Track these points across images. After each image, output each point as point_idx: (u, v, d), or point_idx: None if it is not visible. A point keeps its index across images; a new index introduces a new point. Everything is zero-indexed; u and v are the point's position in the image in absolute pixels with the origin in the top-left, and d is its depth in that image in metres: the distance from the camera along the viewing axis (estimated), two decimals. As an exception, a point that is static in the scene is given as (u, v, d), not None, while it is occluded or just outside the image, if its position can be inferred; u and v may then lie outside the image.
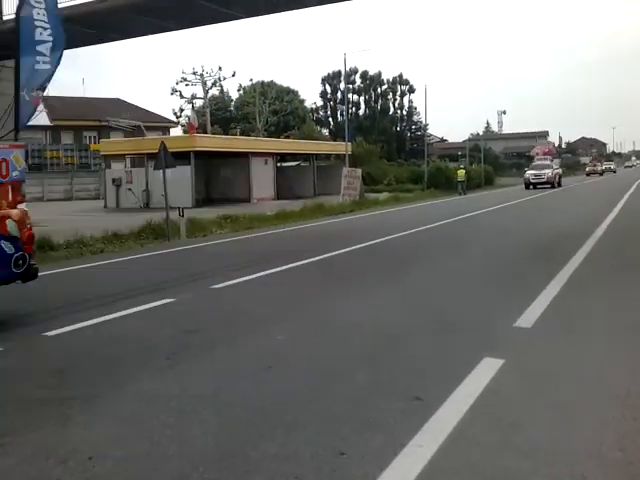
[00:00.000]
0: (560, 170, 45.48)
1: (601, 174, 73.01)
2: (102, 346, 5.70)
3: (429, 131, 69.60)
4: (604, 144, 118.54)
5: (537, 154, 52.90)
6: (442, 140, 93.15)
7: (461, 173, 38.17)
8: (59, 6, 17.85)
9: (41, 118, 37.46)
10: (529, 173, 41.73)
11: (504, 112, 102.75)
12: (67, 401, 4.23)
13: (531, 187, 39.83)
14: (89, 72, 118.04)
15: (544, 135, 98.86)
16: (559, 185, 41.77)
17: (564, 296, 7.18)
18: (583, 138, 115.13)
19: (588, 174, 70.77)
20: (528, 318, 6.11)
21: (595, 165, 78.58)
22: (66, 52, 23.03)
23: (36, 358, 5.41)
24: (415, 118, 79.59)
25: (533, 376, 4.55)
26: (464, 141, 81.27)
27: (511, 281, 8.60)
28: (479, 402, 3.99)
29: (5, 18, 19.19)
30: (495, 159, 70.78)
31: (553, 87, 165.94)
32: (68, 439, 3.62)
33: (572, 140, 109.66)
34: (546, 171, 41.08)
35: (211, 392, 4.33)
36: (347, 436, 3.54)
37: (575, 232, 13.69)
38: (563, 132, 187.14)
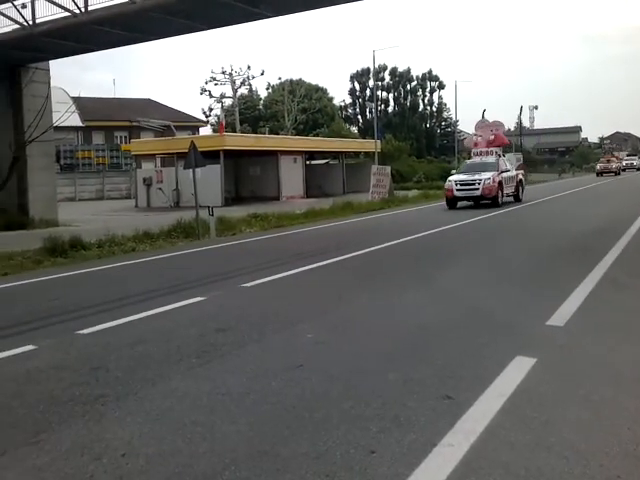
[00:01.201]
0: (520, 173, 26.80)
1: (617, 173, 58.19)
2: (134, 344, 5.76)
3: (459, 127, 68.95)
4: (638, 138, 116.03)
5: (476, 144, 27.75)
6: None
7: None
8: (89, 8, 18.23)
9: (73, 119, 37.99)
10: (453, 180, 23.65)
11: (536, 107, 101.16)
12: (100, 398, 4.29)
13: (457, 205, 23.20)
14: (120, 73, 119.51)
15: (577, 130, 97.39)
16: (517, 200, 25.09)
17: (598, 294, 7.06)
18: (617, 133, 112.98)
19: (599, 173, 57.69)
20: (561, 316, 6.02)
21: (609, 161, 62.26)
22: (98, 53, 23.41)
23: (69, 356, 5.49)
24: (445, 114, 79.05)
25: (566, 375, 4.48)
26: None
27: (544, 278, 8.48)
28: (511, 401, 3.94)
29: (38, 21, 19.48)
30: (527, 155, 69.85)
31: (587, 81, 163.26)
32: (102, 436, 3.67)
33: (606, 135, 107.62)
34: (484, 176, 22.78)
35: (242, 390, 4.35)
36: (378, 435, 3.52)
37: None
38: (597, 127, 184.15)
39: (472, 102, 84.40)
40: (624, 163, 68.37)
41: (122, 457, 3.38)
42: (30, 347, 5.71)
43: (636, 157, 74.50)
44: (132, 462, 3.32)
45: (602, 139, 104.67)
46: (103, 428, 3.80)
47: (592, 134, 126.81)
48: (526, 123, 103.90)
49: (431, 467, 3.14)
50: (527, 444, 3.36)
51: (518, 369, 4.52)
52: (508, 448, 3.32)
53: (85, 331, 6.22)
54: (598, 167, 60.07)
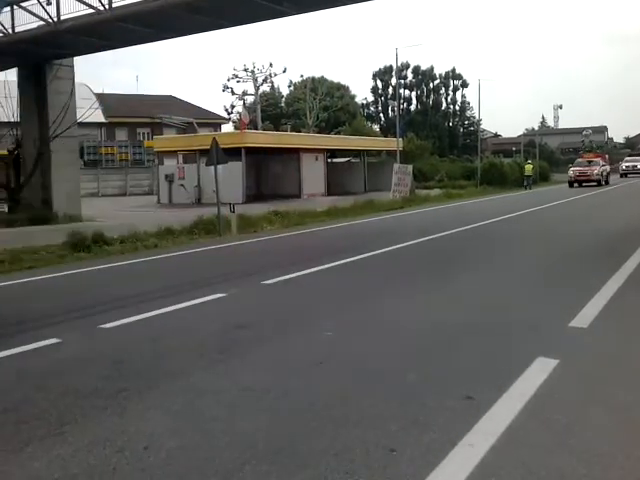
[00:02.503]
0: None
1: (600, 182, 38.75)
2: (155, 339, 5.82)
3: (482, 126, 68.41)
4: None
5: None
6: (496, 135, 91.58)
7: (529, 168, 41.13)
8: (114, 5, 18.39)
9: (96, 115, 38.37)
10: None
11: (560, 106, 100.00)
12: (122, 392, 4.34)
13: None
14: (143, 69, 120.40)
15: (602, 130, 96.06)
16: None
17: (622, 295, 6.98)
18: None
19: (572, 182, 38.59)
20: (584, 318, 5.97)
21: (590, 163, 40.70)
22: (121, 50, 23.60)
23: (93, 350, 5.56)
24: (468, 113, 78.39)
25: (589, 378, 4.44)
26: (519, 136, 79.69)
27: (567, 278, 8.40)
28: (532, 402, 3.92)
29: (63, 18, 19.70)
30: (550, 154, 69.19)
31: (612, 80, 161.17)
32: (124, 429, 3.71)
33: (632, 135, 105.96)
34: None
35: (262, 387, 4.37)
36: (397, 434, 3.53)
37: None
38: (623, 127, 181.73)
39: (495, 101, 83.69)
40: (624, 165, 53.65)
41: (144, 450, 3.42)
42: (54, 340, 5.79)
43: None
44: (154, 455, 3.36)
45: (628, 139, 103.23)
46: (125, 421, 3.85)
47: (618, 134, 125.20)
48: (550, 122, 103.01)
49: (450, 467, 3.14)
50: (548, 446, 3.34)
51: (540, 370, 4.49)
52: (529, 449, 3.30)
53: (108, 325, 6.30)
54: (571, 173, 38.96)
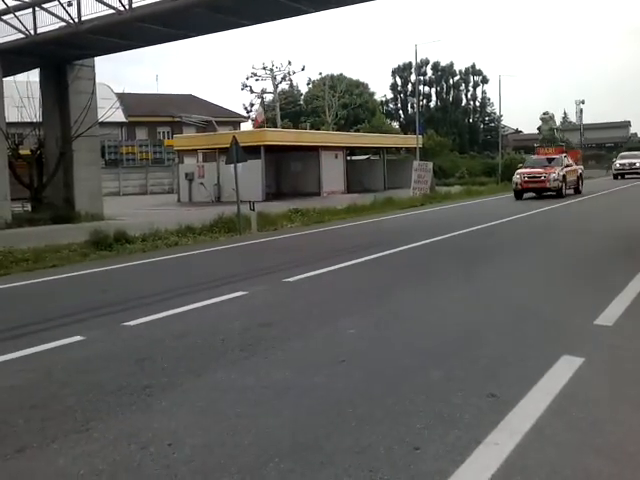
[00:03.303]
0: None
1: (559, 193, 24.86)
2: (179, 336, 5.85)
3: (503, 122, 67.86)
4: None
5: None
6: (517, 131, 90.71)
7: None
8: (134, 5, 18.52)
9: (117, 114, 38.70)
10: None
11: (582, 102, 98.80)
12: (147, 389, 4.37)
13: None
14: (163, 69, 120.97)
15: (626, 125, 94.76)
16: None
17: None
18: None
19: (519, 191, 25.57)
20: (610, 315, 5.90)
21: (547, 166, 25.94)
22: (141, 50, 23.74)
23: (117, 347, 5.60)
24: (488, 109, 77.83)
25: (614, 376, 4.39)
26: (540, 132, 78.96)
27: (592, 276, 8.30)
28: (557, 401, 3.88)
29: (83, 19, 19.87)
30: (572, 150, 68.37)
31: (635, 75, 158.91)
32: (148, 425, 3.74)
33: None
34: None
35: (285, 384, 4.38)
36: (421, 431, 3.51)
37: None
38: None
39: (516, 97, 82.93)
40: (618, 164, 42.84)
41: (168, 447, 3.44)
42: (78, 338, 5.85)
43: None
44: (178, 452, 3.38)
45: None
46: (150, 418, 3.87)
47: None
48: (572, 118, 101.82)
49: (475, 465, 3.12)
50: (574, 444, 3.31)
51: (565, 368, 4.45)
52: (554, 448, 3.27)
53: (131, 323, 6.35)
54: (517, 177, 25.68)
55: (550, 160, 26.52)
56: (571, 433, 3.44)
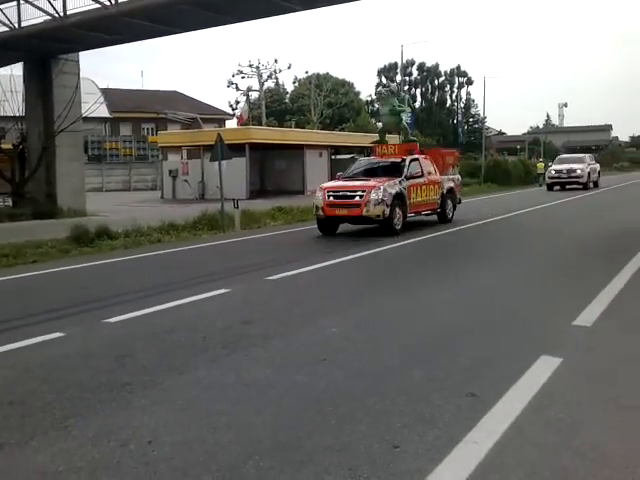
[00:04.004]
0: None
1: (387, 225, 13.72)
2: (160, 334, 5.83)
3: (487, 124, 68.32)
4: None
5: None
6: (500, 133, 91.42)
7: (540, 166, 41.30)
8: (119, 0, 18.39)
9: (101, 110, 38.40)
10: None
11: (565, 105, 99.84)
12: (127, 386, 4.35)
13: None
14: (148, 65, 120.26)
15: (607, 128, 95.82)
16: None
17: (626, 294, 6.97)
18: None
19: (325, 219, 14.28)
20: (588, 316, 5.96)
21: (377, 177, 14.65)
22: (126, 45, 23.56)
23: (97, 344, 5.57)
24: (473, 111, 78.36)
25: (592, 376, 4.44)
26: (523, 134, 79.66)
27: (571, 277, 8.38)
28: (535, 400, 3.92)
29: (69, 13, 19.70)
30: (555, 153, 68.97)
31: (617, 78, 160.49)
32: (128, 423, 3.72)
33: (637, 134, 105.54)
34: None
35: (266, 382, 4.38)
36: (401, 430, 3.53)
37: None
38: (629, 125, 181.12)
39: (500, 98, 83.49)
40: (554, 170, 32.14)
41: (148, 444, 3.43)
42: (58, 334, 5.81)
43: (585, 160, 32.91)
44: (158, 449, 3.37)
45: (633, 138, 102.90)
46: (129, 415, 3.86)
47: (623, 133, 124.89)
48: (555, 121, 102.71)
49: (454, 463, 3.14)
50: (552, 444, 3.34)
51: (543, 369, 4.49)
52: (532, 447, 3.30)
53: (112, 320, 6.31)
54: (318, 197, 14.33)
55: (388, 167, 15.33)
56: (549, 432, 3.48)
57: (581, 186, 31.08)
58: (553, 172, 32.02)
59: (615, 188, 33.11)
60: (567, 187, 31.39)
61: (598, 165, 33.85)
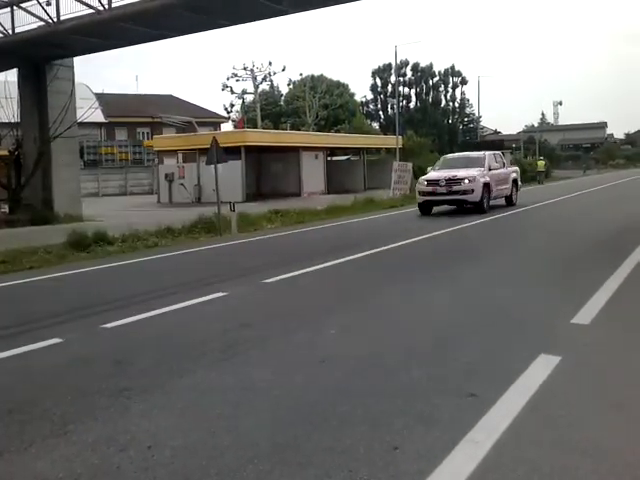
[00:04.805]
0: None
1: None
2: (158, 338, 5.82)
3: (482, 123, 68.46)
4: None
5: None
6: (495, 132, 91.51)
7: (541, 164, 43.31)
8: (113, 5, 18.38)
9: (96, 115, 38.36)
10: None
11: (560, 103, 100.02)
12: (125, 391, 4.34)
13: None
14: (143, 69, 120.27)
15: (602, 126, 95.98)
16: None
17: (625, 292, 6.98)
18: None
19: None
20: (586, 314, 5.97)
21: None
22: (120, 50, 23.56)
23: (95, 349, 5.56)
24: (468, 110, 78.30)
25: (592, 374, 4.44)
26: (518, 133, 79.70)
27: (569, 275, 8.39)
28: (535, 399, 3.92)
29: (62, 18, 19.69)
30: (551, 151, 69.08)
31: (612, 75, 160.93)
32: (128, 428, 3.71)
33: (632, 131, 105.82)
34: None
35: (265, 385, 4.37)
36: (401, 431, 3.53)
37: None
38: (624, 123, 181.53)
39: (495, 98, 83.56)
40: (427, 181, 19.06)
41: (148, 449, 3.42)
42: (56, 340, 5.79)
43: (482, 162, 19.55)
44: (158, 454, 3.36)
45: (628, 135, 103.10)
46: (129, 420, 3.85)
47: (618, 130, 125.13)
48: (550, 119, 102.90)
49: (454, 463, 3.14)
50: (552, 442, 3.34)
51: (542, 367, 4.49)
52: (532, 446, 3.30)
53: (110, 325, 6.30)
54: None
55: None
56: (549, 431, 3.48)
57: (471, 206, 18.53)
58: (425, 183, 18.86)
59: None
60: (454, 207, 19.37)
61: (516, 168, 22.69)
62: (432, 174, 19.37)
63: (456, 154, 21.76)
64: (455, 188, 18.30)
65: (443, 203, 19.05)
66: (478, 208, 18.27)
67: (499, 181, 19.77)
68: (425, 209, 18.98)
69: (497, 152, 21.44)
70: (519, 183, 22.15)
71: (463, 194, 18.23)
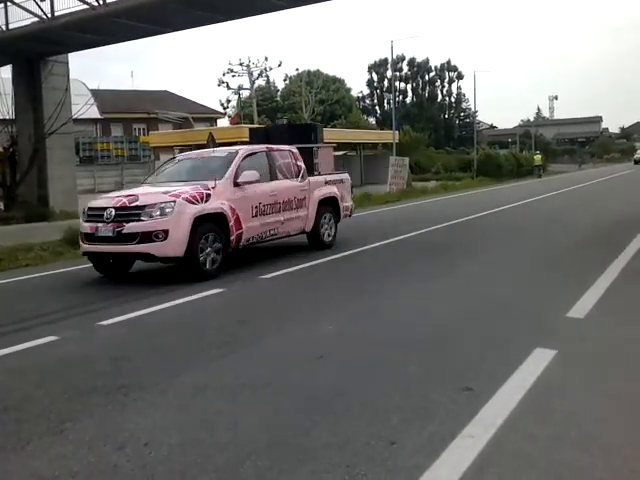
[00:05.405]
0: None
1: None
2: (155, 335, 5.82)
3: (478, 118, 68.53)
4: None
5: None
6: (491, 127, 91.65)
7: (538, 158, 43.64)
8: (108, 0, 18.31)
9: (92, 111, 38.25)
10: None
11: (555, 97, 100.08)
12: (123, 389, 4.34)
13: None
14: (138, 65, 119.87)
15: (597, 120, 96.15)
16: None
17: (619, 286, 7.00)
18: (638, 123, 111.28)
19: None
20: (581, 308, 5.98)
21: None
22: (116, 46, 23.47)
23: (92, 347, 5.55)
24: (464, 105, 78.44)
25: (587, 368, 4.45)
26: (514, 127, 79.81)
27: (564, 269, 8.40)
28: (531, 393, 3.93)
29: (57, 14, 19.61)
30: (546, 145, 69.17)
31: (608, 70, 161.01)
32: (125, 426, 3.71)
33: (627, 125, 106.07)
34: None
35: (263, 381, 4.37)
36: (398, 426, 3.53)
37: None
38: (618, 117, 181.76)
39: (491, 92, 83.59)
40: (90, 213, 8.88)
41: (145, 447, 3.42)
42: (52, 338, 5.77)
43: (238, 158, 9.45)
44: (155, 451, 3.36)
45: (623, 129, 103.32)
46: (126, 418, 3.84)
47: (613, 124, 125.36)
48: (546, 113, 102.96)
49: (451, 458, 3.14)
50: (548, 437, 3.35)
51: (538, 361, 4.50)
52: (529, 440, 3.31)
53: (106, 322, 6.28)
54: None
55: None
56: (546, 425, 3.49)
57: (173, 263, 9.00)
58: (86, 217, 9.18)
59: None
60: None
61: (343, 177, 12.49)
62: (103, 200, 9.24)
63: (193, 152, 11.92)
64: (130, 227, 8.32)
65: (110, 258, 9.11)
66: (188, 268, 8.60)
67: (272, 207, 9.92)
68: (100, 266, 9.24)
69: (287, 148, 10.93)
70: (346, 206, 12.22)
71: (144, 241, 8.26)
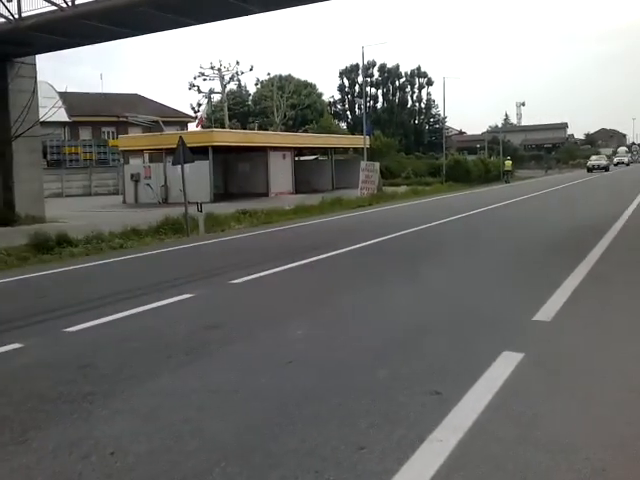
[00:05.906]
0: None
1: None
2: (122, 342, 5.74)
3: (447, 124, 69.03)
4: (624, 135, 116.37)
5: None
6: (460, 133, 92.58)
7: (508, 164, 44.17)
8: (77, 2, 18.08)
9: (60, 114, 37.73)
10: None
11: (523, 104, 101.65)
12: (88, 396, 4.26)
13: None
14: (107, 68, 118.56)
15: (563, 127, 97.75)
16: None
17: (584, 289, 7.11)
18: (603, 129, 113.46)
19: None
20: (547, 311, 6.06)
21: None
22: (85, 48, 23.18)
23: (56, 354, 5.46)
24: (433, 111, 79.14)
25: (553, 370, 4.51)
26: (483, 133, 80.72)
27: (531, 273, 8.51)
28: (498, 396, 3.96)
29: (24, 15, 19.29)
30: (514, 151, 70.06)
31: (571, 79, 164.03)
32: (90, 434, 3.65)
33: (592, 131, 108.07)
34: None
35: (231, 387, 4.34)
36: (367, 431, 3.53)
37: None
38: (583, 123, 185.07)
39: (460, 99, 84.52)
40: None
41: (111, 455, 3.36)
42: (16, 345, 5.66)
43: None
44: (121, 460, 3.31)
45: (588, 135, 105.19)
46: (91, 426, 3.78)
47: (578, 131, 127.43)
48: (513, 120, 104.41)
49: (420, 462, 3.16)
50: (515, 439, 3.38)
51: (505, 364, 4.55)
52: (496, 443, 3.34)
53: (72, 329, 6.18)
54: None
55: None
56: (512, 428, 3.52)
57: None
58: None
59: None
60: None
61: None
62: None
63: None
64: None
65: None
66: None
67: None
68: None
69: None
70: None
71: None
